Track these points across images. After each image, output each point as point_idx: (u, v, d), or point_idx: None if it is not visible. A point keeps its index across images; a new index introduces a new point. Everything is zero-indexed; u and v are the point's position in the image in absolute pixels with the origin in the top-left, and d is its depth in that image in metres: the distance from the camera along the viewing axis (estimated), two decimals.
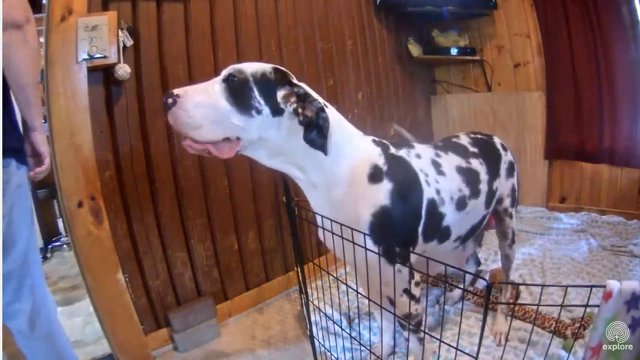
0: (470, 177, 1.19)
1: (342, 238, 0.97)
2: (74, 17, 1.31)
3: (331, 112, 0.98)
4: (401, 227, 1.01)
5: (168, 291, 1.69)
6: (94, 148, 1.39)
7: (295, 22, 2.04)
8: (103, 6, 1.44)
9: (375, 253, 0.95)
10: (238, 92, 0.88)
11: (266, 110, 0.89)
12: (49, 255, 2.84)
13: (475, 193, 1.19)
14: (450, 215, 1.12)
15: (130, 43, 1.49)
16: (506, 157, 1.38)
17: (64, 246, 2.93)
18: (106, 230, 1.41)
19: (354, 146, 1.01)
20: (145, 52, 1.55)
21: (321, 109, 0.89)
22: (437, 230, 1.11)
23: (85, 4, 1.34)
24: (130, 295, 1.49)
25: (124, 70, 1.43)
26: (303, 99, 0.89)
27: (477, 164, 1.23)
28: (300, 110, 0.88)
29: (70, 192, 1.34)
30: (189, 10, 1.65)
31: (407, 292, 1.05)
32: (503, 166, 1.35)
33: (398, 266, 1.01)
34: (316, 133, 0.89)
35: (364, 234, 0.93)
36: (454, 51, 2.58)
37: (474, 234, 1.33)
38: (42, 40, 1.30)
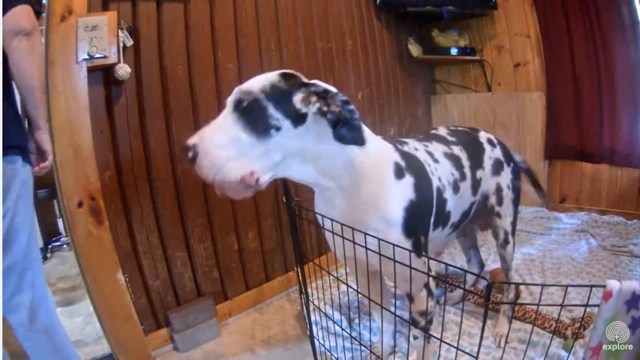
0: (456, 161, 1.23)
1: (373, 238, 0.93)
2: (74, 17, 1.31)
3: None
4: (424, 218, 1.05)
5: (169, 291, 1.69)
6: (94, 148, 1.39)
7: (295, 22, 2.04)
8: (103, 6, 1.43)
9: (407, 249, 0.91)
10: (252, 116, 0.81)
11: (286, 124, 0.82)
12: (49, 255, 2.84)
13: (463, 176, 1.23)
14: (450, 200, 1.16)
15: (130, 43, 1.48)
16: (492, 153, 1.37)
17: (64, 246, 2.93)
18: (106, 230, 1.41)
19: (374, 145, 1.00)
20: (145, 52, 1.55)
21: (346, 102, 0.83)
22: (443, 216, 1.15)
23: (85, 4, 1.34)
24: (130, 295, 1.50)
25: (124, 70, 1.43)
26: (324, 96, 0.83)
27: (457, 150, 1.26)
28: (325, 108, 0.81)
29: (70, 192, 1.34)
30: (189, 10, 1.65)
31: (426, 286, 1.06)
32: (488, 161, 1.35)
33: (424, 259, 1.03)
34: (346, 128, 0.84)
35: (392, 233, 0.94)
36: (454, 51, 2.58)
37: (465, 221, 1.33)
38: (42, 40, 1.30)
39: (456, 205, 1.20)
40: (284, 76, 0.86)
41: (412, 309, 1.06)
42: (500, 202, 1.39)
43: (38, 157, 1.18)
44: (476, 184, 1.30)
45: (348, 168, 0.93)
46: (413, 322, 1.10)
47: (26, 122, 1.15)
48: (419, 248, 1.02)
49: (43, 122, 1.14)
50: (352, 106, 0.83)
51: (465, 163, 1.26)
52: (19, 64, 1.03)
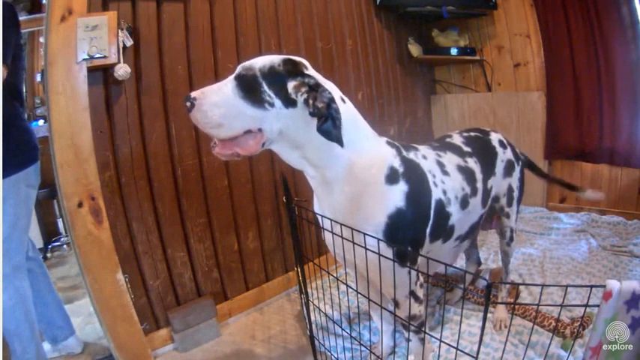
0: (469, 175, 1.20)
1: (353, 243, 0.96)
2: (74, 17, 1.30)
3: (348, 108, 0.98)
4: (413, 229, 1.02)
5: (169, 291, 1.69)
6: (94, 148, 1.38)
7: (295, 22, 2.04)
8: (103, 6, 1.44)
9: (389, 258, 0.94)
10: (248, 88, 0.88)
11: (278, 103, 0.88)
12: (49, 255, 2.84)
13: (474, 191, 1.20)
14: (455, 214, 1.13)
15: (130, 43, 1.48)
16: (504, 155, 1.37)
17: (64, 246, 2.93)
18: (106, 230, 1.41)
19: (370, 145, 1.00)
20: (145, 52, 1.55)
21: (332, 100, 0.86)
22: (443, 230, 1.12)
23: (85, 4, 1.34)
24: (130, 295, 1.49)
25: (124, 70, 1.43)
26: (315, 89, 0.86)
27: (472, 163, 1.24)
28: (310, 101, 0.85)
29: (70, 192, 1.34)
30: (189, 10, 1.65)
31: (412, 293, 1.06)
32: (500, 165, 1.35)
33: (408, 268, 1.01)
34: (332, 124, 0.85)
35: (373, 238, 0.92)
36: (454, 51, 2.58)
37: (473, 232, 1.33)
38: (42, 40, 1.30)
39: (463, 219, 1.17)
40: (286, 61, 0.91)
41: (399, 313, 1.05)
42: (510, 202, 1.40)
43: None
44: (486, 196, 1.28)
45: (332, 162, 0.95)
46: (404, 326, 1.11)
47: None
48: (403, 258, 0.99)
49: None
50: (336, 106, 0.86)
51: (479, 176, 1.23)
52: None
